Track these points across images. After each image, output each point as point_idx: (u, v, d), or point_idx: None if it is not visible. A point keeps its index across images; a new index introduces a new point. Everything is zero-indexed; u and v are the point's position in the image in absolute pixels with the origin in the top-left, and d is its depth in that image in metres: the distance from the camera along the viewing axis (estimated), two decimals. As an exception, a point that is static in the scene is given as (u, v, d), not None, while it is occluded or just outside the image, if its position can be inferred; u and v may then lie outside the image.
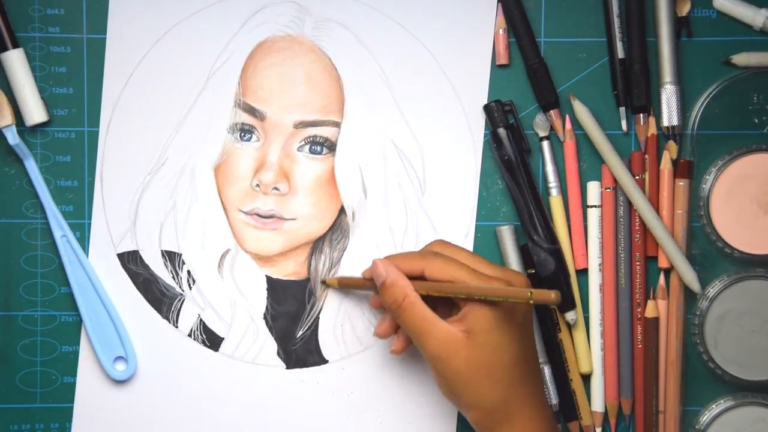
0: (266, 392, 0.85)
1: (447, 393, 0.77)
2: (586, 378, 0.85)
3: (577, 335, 0.85)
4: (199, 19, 0.85)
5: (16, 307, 0.84)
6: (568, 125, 0.84)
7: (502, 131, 0.83)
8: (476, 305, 0.74)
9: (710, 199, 0.84)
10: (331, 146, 0.85)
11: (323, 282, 0.85)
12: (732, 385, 0.85)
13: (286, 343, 0.85)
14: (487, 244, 0.85)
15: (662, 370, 0.84)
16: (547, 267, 0.83)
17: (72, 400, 0.85)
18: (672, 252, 0.83)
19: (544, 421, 0.76)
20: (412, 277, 0.77)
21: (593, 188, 0.85)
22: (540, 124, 0.84)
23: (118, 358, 0.84)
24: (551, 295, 0.69)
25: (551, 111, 0.84)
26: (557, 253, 0.84)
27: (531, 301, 0.71)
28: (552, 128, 0.85)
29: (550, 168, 0.84)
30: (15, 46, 0.83)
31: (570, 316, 0.84)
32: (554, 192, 0.84)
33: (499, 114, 0.83)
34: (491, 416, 0.75)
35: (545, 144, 0.84)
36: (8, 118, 0.83)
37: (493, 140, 0.83)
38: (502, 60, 0.85)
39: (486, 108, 0.84)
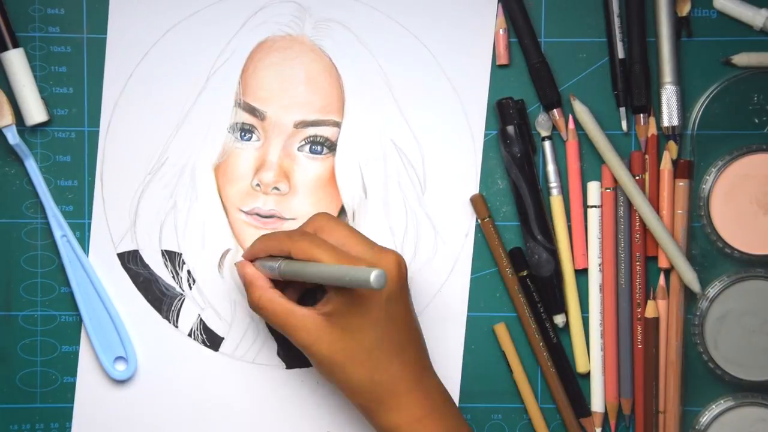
0: (266, 392, 0.85)
1: (324, 376, 0.78)
2: (585, 378, 0.85)
3: (575, 335, 0.85)
4: (199, 19, 0.85)
5: (16, 307, 0.84)
6: (571, 125, 0.84)
7: (511, 129, 0.83)
8: (335, 288, 0.75)
9: (710, 199, 0.84)
10: (331, 146, 0.85)
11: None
12: (732, 385, 0.85)
13: (286, 343, 0.85)
14: (487, 244, 0.85)
15: (662, 370, 0.84)
16: (547, 268, 0.83)
17: (72, 400, 0.85)
18: (672, 252, 0.83)
19: (425, 401, 0.76)
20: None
21: (593, 188, 0.85)
22: (543, 124, 0.84)
23: (118, 358, 0.84)
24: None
25: (554, 110, 0.84)
26: (556, 255, 0.84)
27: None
28: (554, 128, 0.85)
29: (551, 168, 0.84)
30: (15, 46, 0.83)
31: (559, 319, 0.84)
32: (555, 192, 0.84)
33: (512, 111, 0.83)
34: (364, 397, 0.77)
35: (547, 144, 0.84)
36: (8, 118, 0.83)
37: (501, 137, 0.83)
38: (503, 60, 0.85)
39: (498, 104, 0.84)
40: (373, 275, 0.68)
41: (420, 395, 0.77)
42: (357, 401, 0.78)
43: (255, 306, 0.78)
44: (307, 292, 0.83)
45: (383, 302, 0.75)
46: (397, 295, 0.76)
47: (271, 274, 0.78)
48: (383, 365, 0.76)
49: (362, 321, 0.75)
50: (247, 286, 0.79)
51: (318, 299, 0.79)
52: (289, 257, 0.77)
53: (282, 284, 0.80)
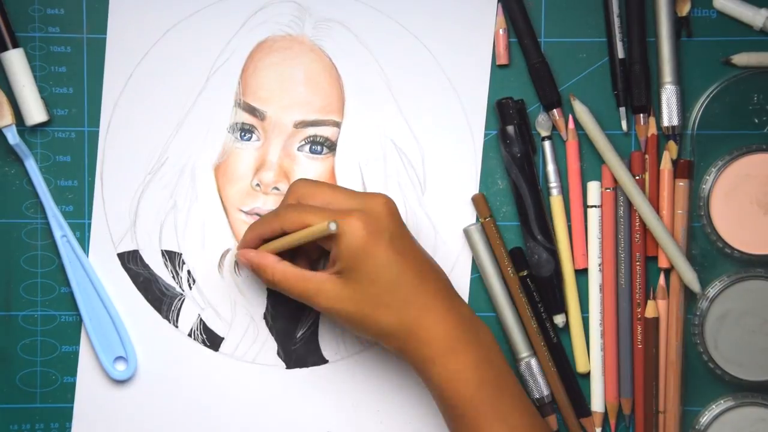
0: (266, 392, 0.85)
1: (355, 332, 0.80)
2: (585, 378, 0.85)
3: (574, 335, 0.85)
4: (199, 19, 0.85)
5: (16, 307, 0.84)
6: (571, 125, 0.84)
7: (511, 129, 0.83)
8: (336, 244, 0.76)
9: (710, 199, 0.84)
10: (331, 146, 0.85)
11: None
12: (732, 385, 0.85)
13: (286, 343, 0.85)
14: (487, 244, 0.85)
15: (662, 370, 0.84)
16: (547, 268, 0.83)
17: (72, 400, 0.85)
18: (672, 252, 0.83)
19: (454, 330, 0.76)
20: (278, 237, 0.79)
21: (593, 188, 0.85)
22: (543, 124, 0.84)
23: (118, 358, 0.84)
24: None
25: (554, 110, 0.84)
26: (556, 255, 0.84)
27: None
28: (554, 127, 0.85)
29: (551, 168, 0.84)
30: (15, 46, 0.83)
31: (558, 319, 0.84)
32: (555, 192, 0.84)
33: (512, 111, 0.83)
34: (398, 339, 0.76)
35: (547, 144, 0.84)
36: (8, 118, 0.83)
37: (501, 137, 0.83)
38: (502, 60, 0.85)
39: (498, 104, 0.84)
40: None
41: (449, 326, 0.76)
42: (393, 345, 0.77)
43: (271, 283, 0.79)
44: (321, 257, 0.83)
45: (387, 242, 0.75)
46: (398, 232, 0.77)
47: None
48: (409, 301, 0.76)
49: (375, 267, 0.75)
50: (257, 268, 0.79)
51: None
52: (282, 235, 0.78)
53: (289, 257, 0.80)
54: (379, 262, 0.75)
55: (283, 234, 0.78)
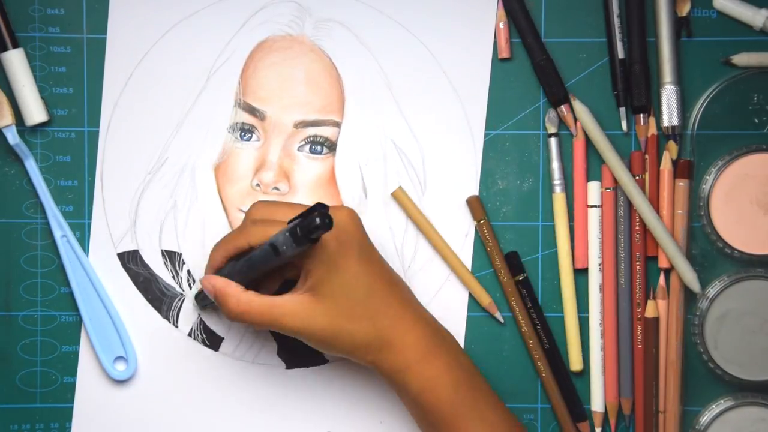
0: (266, 392, 0.85)
1: (326, 350, 0.78)
2: (584, 377, 0.85)
3: (570, 333, 0.85)
4: (199, 19, 0.85)
5: (16, 307, 0.84)
6: (579, 122, 0.84)
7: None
8: (306, 261, 0.75)
9: (710, 199, 0.84)
10: (331, 146, 0.85)
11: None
12: (732, 385, 0.85)
13: (286, 343, 0.85)
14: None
15: (662, 370, 0.84)
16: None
17: (72, 400, 0.85)
18: (672, 252, 0.83)
19: (428, 337, 0.77)
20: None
21: (593, 188, 0.85)
22: (552, 120, 0.84)
23: (118, 358, 0.84)
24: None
25: (562, 106, 0.84)
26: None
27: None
28: (562, 123, 0.84)
29: (556, 165, 0.84)
30: (15, 46, 0.83)
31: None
32: (558, 189, 0.84)
33: None
34: (372, 350, 0.76)
35: (553, 140, 0.84)
36: (8, 118, 0.83)
37: None
38: (504, 54, 0.85)
39: None
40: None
41: (419, 333, 0.77)
42: (367, 358, 0.77)
43: (235, 313, 0.76)
44: (283, 285, 0.82)
45: (357, 253, 0.76)
46: (365, 243, 0.77)
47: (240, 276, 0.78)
48: (380, 311, 0.76)
49: (347, 278, 0.75)
50: (220, 297, 0.77)
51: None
52: (249, 251, 0.77)
53: (254, 286, 0.78)
54: (350, 273, 0.75)
55: (251, 250, 0.77)
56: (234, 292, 0.77)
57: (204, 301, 0.83)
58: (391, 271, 0.79)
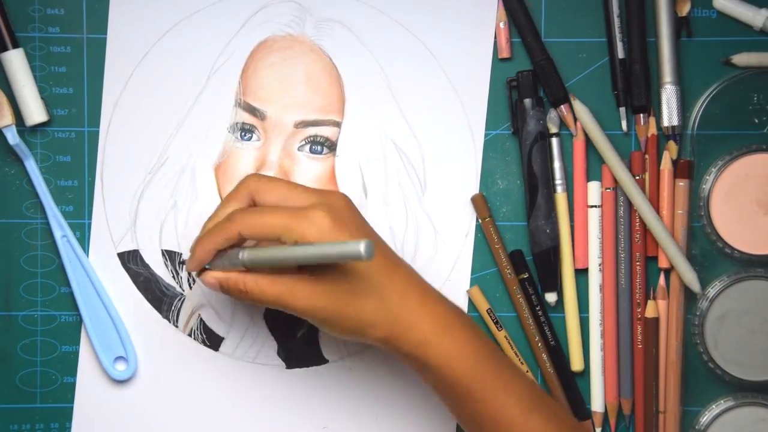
0: (266, 392, 0.85)
1: (337, 331, 0.75)
2: (581, 377, 0.85)
3: (571, 333, 0.85)
4: (199, 19, 0.85)
5: (16, 307, 0.84)
6: (579, 122, 0.84)
7: (528, 102, 0.83)
8: (300, 232, 0.72)
9: (710, 199, 0.84)
10: (331, 146, 0.85)
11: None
12: (732, 385, 0.85)
13: (286, 343, 0.85)
14: (487, 244, 0.85)
15: (662, 370, 0.84)
16: (546, 243, 0.84)
17: (72, 400, 0.85)
18: (672, 252, 0.83)
19: (440, 309, 0.75)
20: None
21: (593, 188, 0.85)
22: (553, 120, 0.84)
23: (118, 358, 0.84)
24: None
25: (562, 106, 0.84)
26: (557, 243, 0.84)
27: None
28: (563, 123, 0.84)
29: (557, 165, 0.84)
30: (15, 46, 0.83)
31: (550, 297, 0.84)
32: (559, 189, 0.84)
33: (530, 83, 0.83)
34: (384, 326, 0.74)
35: (554, 140, 0.84)
36: (8, 118, 0.83)
37: (519, 109, 0.83)
38: (504, 53, 0.85)
39: (520, 74, 0.84)
40: (363, 246, 0.66)
41: (433, 308, 0.75)
42: (379, 334, 0.74)
43: (243, 294, 0.75)
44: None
45: (354, 232, 0.73)
46: (361, 222, 0.76)
47: (237, 270, 0.75)
48: (386, 286, 0.74)
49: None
50: (225, 287, 0.76)
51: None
52: (241, 243, 0.75)
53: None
54: None
55: (241, 239, 0.74)
56: (236, 278, 0.75)
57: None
58: (391, 250, 0.77)
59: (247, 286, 0.74)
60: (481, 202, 0.84)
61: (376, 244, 0.74)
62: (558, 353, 0.85)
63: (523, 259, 0.84)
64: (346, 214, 0.74)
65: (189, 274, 0.85)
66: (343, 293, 0.73)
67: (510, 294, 0.85)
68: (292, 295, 0.73)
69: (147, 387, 0.85)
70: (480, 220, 0.85)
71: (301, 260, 0.71)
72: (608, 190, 0.84)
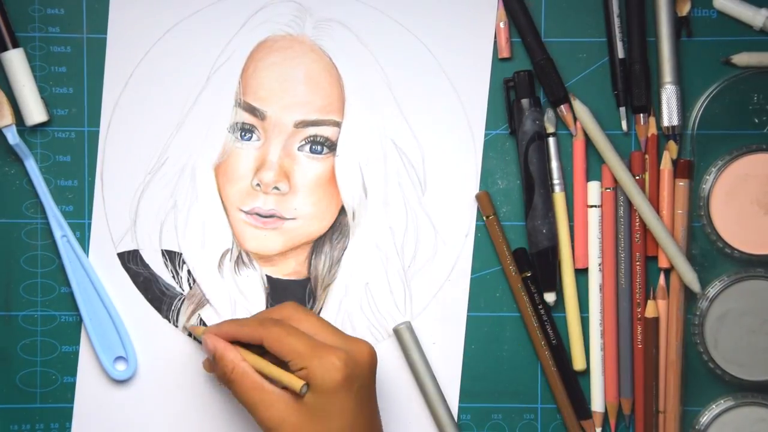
0: (266, 392, 0.85)
1: None
2: (583, 376, 0.85)
3: (572, 333, 0.85)
4: (199, 19, 0.85)
5: (16, 307, 0.84)
6: (579, 122, 0.84)
7: (525, 102, 0.83)
8: (311, 373, 0.73)
9: (710, 199, 0.84)
10: (331, 146, 0.85)
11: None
12: (732, 385, 0.85)
13: (286, 343, 0.85)
14: (487, 244, 0.85)
15: (662, 370, 0.84)
16: (543, 243, 0.84)
17: (72, 400, 0.85)
18: (672, 252, 0.83)
19: None
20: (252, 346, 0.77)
21: (593, 188, 0.85)
22: (550, 119, 0.84)
23: (118, 358, 0.84)
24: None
25: (561, 106, 0.84)
26: (555, 243, 0.84)
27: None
28: (561, 123, 0.84)
29: (555, 164, 0.84)
30: (15, 46, 0.83)
31: (549, 297, 0.84)
32: (557, 189, 0.84)
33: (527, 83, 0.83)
34: None
35: (552, 140, 0.84)
36: (8, 118, 0.83)
37: (516, 109, 0.83)
38: (504, 53, 0.85)
39: (517, 74, 0.84)
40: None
41: None
42: None
43: (226, 379, 0.76)
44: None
45: (355, 390, 0.74)
46: (368, 383, 0.76)
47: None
48: None
49: (332, 408, 0.73)
50: (218, 359, 0.77)
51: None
52: (260, 346, 0.76)
53: (260, 351, 0.77)
54: (336, 405, 0.73)
55: (261, 344, 0.76)
56: (233, 359, 0.76)
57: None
58: (376, 423, 0.77)
59: (234, 373, 0.76)
60: (485, 200, 0.84)
61: (367, 408, 0.75)
62: (560, 352, 0.85)
63: (527, 257, 0.84)
64: (361, 370, 0.75)
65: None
66: (310, 429, 0.74)
67: (513, 292, 0.85)
68: (266, 405, 0.75)
69: (147, 387, 0.85)
70: (484, 218, 0.85)
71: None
72: (608, 190, 0.84)
